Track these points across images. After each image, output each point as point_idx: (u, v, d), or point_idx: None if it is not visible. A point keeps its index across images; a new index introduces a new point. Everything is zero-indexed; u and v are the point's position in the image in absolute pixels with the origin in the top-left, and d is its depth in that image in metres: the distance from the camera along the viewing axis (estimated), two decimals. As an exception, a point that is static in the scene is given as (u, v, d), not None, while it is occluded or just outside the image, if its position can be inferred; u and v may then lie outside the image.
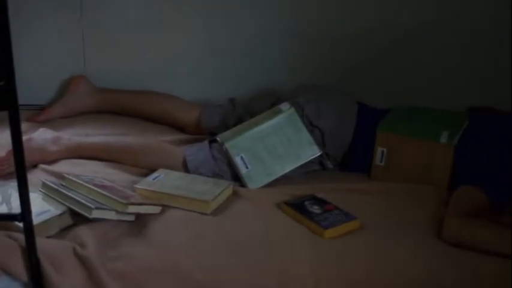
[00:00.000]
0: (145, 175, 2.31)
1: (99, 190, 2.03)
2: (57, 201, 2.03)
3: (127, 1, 2.95)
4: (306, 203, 2.17)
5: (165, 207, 2.11)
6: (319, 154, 2.43)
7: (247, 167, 2.35)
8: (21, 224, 1.71)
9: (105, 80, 2.95)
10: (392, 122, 2.49)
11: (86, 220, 1.97)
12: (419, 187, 2.35)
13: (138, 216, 2.04)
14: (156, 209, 2.08)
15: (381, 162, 2.45)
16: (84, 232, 1.95)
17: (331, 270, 1.89)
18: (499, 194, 2.19)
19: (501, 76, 2.96)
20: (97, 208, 1.96)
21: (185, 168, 2.39)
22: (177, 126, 2.82)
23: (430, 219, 2.14)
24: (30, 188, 1.67)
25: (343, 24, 2.99)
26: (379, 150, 2.44)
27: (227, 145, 2.38)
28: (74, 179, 2.11)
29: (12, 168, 1.89)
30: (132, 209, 2.00)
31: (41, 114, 2.84)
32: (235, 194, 2.27)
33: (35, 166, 2.38)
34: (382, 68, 3.05)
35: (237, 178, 2.37)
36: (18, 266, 1.79)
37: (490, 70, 3.02)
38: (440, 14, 2.97)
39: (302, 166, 2.42)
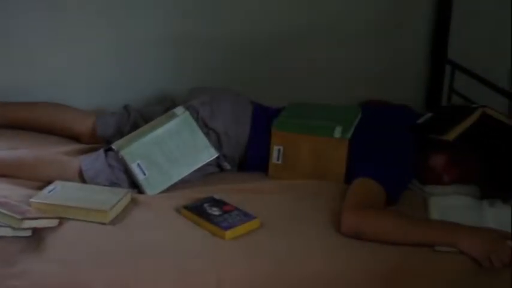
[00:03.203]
0: (42, 188, 2.26)
1: (-9, 207, 1.98)
2: (-52, 221, 1.96)
3: (18, 8, 2.86)
4: (205, 205, 2.18)
5: (62, 220, 2.07)
6: (216, 156, 2.44)
7: (144, 174, 2.34)
8: None
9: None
10: (287, 120, 2.52)
11: (-20, 239, 1.92)
12: (317, 183, 2.39)
13: (35, 231, 1.99)
14: (53, 222, 2.04)
15: (277, 160, 2.47)
16: (-22, 251, 1.90)
17: (234, 271, 1.91)
18: (393, 186, 2.25)
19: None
20: (-10, 225, 1.91)
21: (81, 178, 2.35)
22: (72, 137, 2.75)
23: (330, 214, 2.17)
24: None
25: (237, 27, 3.03)
26: (275, 148, 2.47)
27: (123, 152, 2.35)
28: (-35, 197, 2.06)
29: None
30: (28, 223, 1.96)
31: None
32: (134, 201, 2.25)
33: None
34: (274, 69, 3.11)
35: (135, 185, 2.35)
36: None
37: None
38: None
39: (200, 169, 2.42)
